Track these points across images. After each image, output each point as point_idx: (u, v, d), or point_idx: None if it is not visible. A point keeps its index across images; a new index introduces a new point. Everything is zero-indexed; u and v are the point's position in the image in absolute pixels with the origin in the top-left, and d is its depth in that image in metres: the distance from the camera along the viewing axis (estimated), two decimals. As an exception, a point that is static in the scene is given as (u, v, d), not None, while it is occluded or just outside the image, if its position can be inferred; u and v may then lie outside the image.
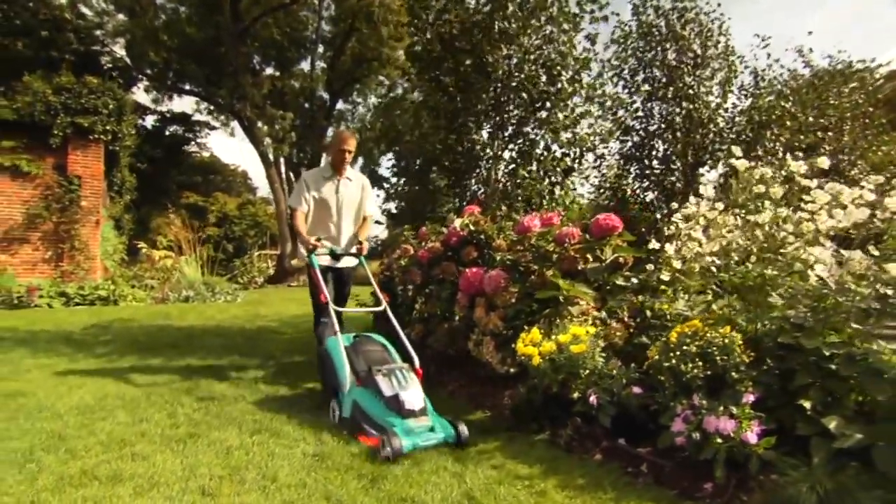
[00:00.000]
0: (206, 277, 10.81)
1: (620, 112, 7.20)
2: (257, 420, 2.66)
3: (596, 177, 7.30)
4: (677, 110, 6.74)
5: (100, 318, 6.81)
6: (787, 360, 2.06)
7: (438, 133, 5.90)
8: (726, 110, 6.89)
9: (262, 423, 2.59)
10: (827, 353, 1.95)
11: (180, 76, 19.08)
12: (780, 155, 6.17)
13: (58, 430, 2.49)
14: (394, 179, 17.59)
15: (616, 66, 7.02)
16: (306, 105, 20.75)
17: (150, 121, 21.92)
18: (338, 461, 2.10)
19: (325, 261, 3.43)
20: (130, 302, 9.00)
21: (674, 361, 2.08)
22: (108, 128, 10.04)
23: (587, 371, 2.36)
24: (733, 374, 1.99)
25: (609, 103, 6.82)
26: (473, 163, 5.70)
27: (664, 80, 6.87)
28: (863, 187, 2.36)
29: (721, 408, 1.87)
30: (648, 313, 2.74)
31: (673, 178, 6.93)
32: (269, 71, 21.23)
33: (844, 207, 2.38)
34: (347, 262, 3.58)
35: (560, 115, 5.47)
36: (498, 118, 5.54)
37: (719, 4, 6.82)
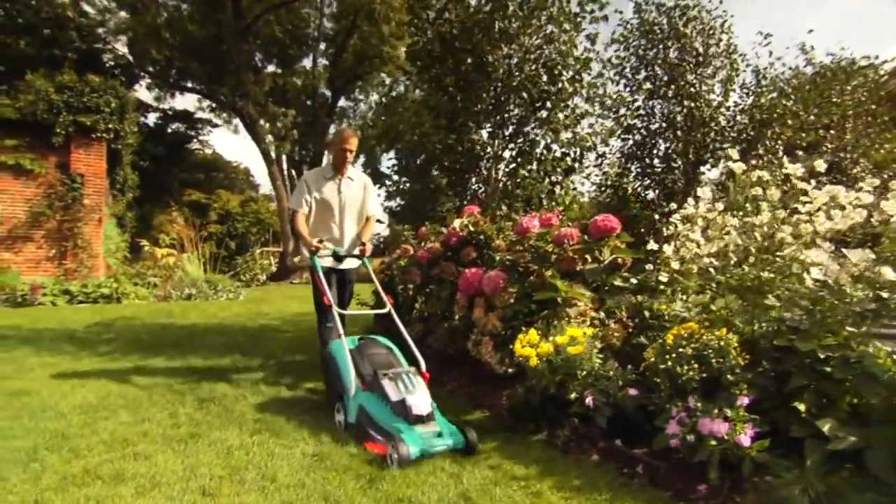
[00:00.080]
0: (208, 275, 10.87)
1: (622, 110, 7.20)
2: (258, 420, 2.69)
3: (597, 175, 7.32)
4: (679, 109, 6.74)
5: (103, 317, 6.86)
6: (783, 362, 2.07)
7: (439, 132, 5.91)
8: (728, 109, 6.88)
9: (263, 423, 2.62)
10: (822, 356, 1.96)
11: (182, 74, 19.12)
12: (781, 154, 6.17)
13: (61, 430, 2.52)
14: (395, 177, 17.64)
15: (617, 65, 7.02)
16: (308, 102, 20.78)
17: (152, 118, 22.06)
18: (336, 461, 2.13)
19: (328, 262, 3.39)
20: (133, 300, 9.07)
21: (669, 363, 2.09)
22: (110, 126, 10.10)
23: (584, 372, 2.38)
24: (728, 376, 2.01)
25: (610, 102, 6.82)
26: (474, 162, 5.71)
27: (666, 78, 6.86)
28: (860, 188, 2.36)
29: (716, 410, 1.89)
30: (647, 314, 2.75)
31: (674, 177, 6.94)
32: (270, 68, 21.29)
33: (843, 208, 2.39)
34: (350, 262, 3.53)
35: (560, 116, 5.46)
36: (498, 118, 5.54)
37: (721, 1, 6.82)
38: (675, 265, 2.90)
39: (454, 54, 5.45)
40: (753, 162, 5.90)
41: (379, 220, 14.48)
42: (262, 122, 17.12)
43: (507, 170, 5.75)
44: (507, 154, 5.74)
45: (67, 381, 3.50)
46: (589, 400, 2.26)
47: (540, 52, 5.43)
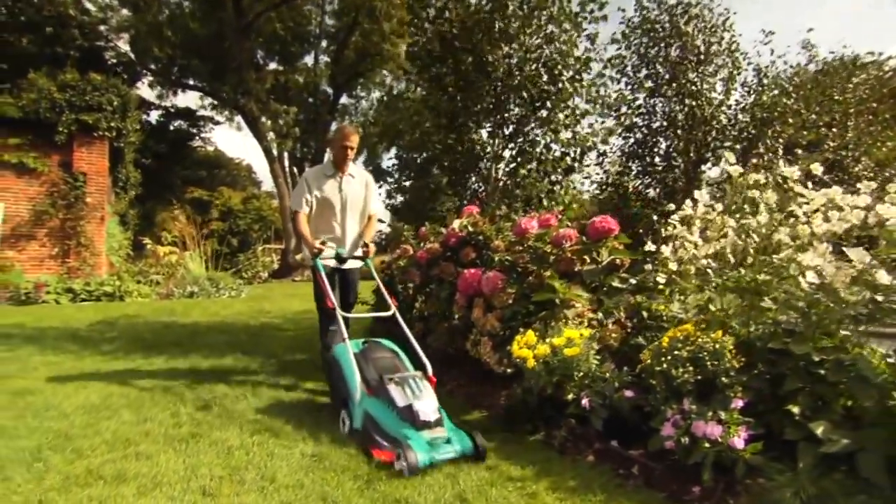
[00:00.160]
0: (210, 272, 10.91)
1: (623, 109, 7.20)
2: (258, 420, 2.72)
3: (598, 173, 7.32)
4: (680, 107, 6.73)
5: (106, 315, 6.90)
6: (778, 364, 2.09)
7: (439, 132, 5.92)
8: (729, 107, 6.88)
9: (263, 423, 2.65)
10: (816, 359, 1.97)
11: (184, 71, 19.16)
12: (782, 153, 6.16)
13: (64, 430, 2.55)
14: (396, 175, 17.66)
15: (618, 64, 7.01)
16: (310, 100, 20.80)
17: (154, 116, 22.09)
18: (335, 462, 2.15)
19: (331, 263, 3.35)
20: (136, 298, 9.12)
21: (665, 366, 2.11)
22: (112, 124, 10.13)
23: (581, 374, 2.40)
24: (723, 378, 2.02)
25: (610, 101, 6.81)
26: (474, 161, 5.71)
27: (667, 76, 6.85)
28: (858, 190, 2.37)
29: (710, 413, 1.91)
30: (645, 314, 2.76)
31: (675, 175, 6.94)
32: (272, 66, 21.28)
33: (841, 209, 2.40)
34: (353, 262, 3.49)
35: (561, 115, 5.46)
36: (498, 117, 5.55)
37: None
38: (673, 266, 2.92)
39: (454, 54, 5.45)
40: (754, 161, 5.90)
41: (381, 220, 14.49)
42: (263, 119, 17.15)
43: (506, 169, 5.76)
44: (506, 153, 5.75)
45: (70, 381, 3.53)
46: (585, 401, 2.28)
47: (540, 52, 5.42)
